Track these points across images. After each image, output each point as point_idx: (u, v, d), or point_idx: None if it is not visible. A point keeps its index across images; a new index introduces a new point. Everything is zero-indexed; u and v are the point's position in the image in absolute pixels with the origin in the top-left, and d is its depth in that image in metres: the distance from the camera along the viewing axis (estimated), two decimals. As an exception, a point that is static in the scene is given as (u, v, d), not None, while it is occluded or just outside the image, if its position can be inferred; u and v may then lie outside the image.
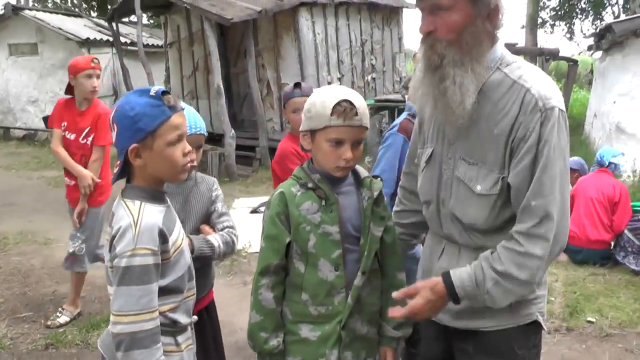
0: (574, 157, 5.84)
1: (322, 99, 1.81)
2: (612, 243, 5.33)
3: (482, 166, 1.72)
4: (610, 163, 5.45)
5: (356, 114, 1.79)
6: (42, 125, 13.74)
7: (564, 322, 4.15)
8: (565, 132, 1.66)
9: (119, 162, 1.68)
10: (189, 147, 1.74)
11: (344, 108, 1.77)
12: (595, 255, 5.26)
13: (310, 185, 1.87)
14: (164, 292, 1.68)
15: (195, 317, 1.89)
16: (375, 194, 1.91)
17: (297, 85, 3.22)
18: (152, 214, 1.67)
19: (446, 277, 1.72)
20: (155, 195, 1.72)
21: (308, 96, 3.12)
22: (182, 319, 1.78)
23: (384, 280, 2.00)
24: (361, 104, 1.82)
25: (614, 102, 8.98)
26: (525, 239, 1.64)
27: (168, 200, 1.80)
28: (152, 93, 1.66)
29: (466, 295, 1.70)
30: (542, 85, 1.65)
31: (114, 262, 1.62)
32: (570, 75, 13.49)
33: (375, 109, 8.56)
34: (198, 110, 11.21)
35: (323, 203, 1.86)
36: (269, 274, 1.89)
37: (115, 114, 1.67)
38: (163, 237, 1.67)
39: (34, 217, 7.23)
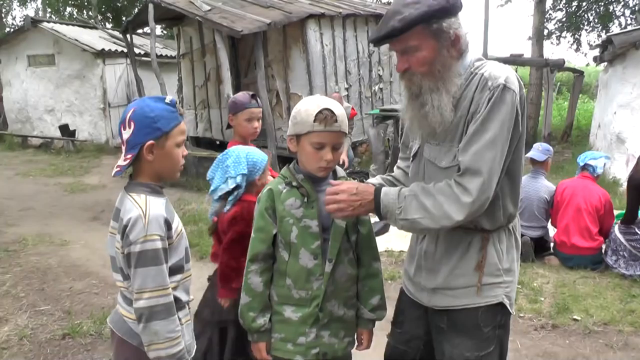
0: (542, 144, 6.06)
1: (306, 107, 2.08)
2: (603, 247, 5.51)
3: (443, 144, 2.01)
4: (586, 165, 5.59)
5: (336, 120, 2.05)
6: (58, 133, 14.17)
7: (550, 319, 4.36)
8: (507, 105, 1.88)
9: (130, 157, 1.92)
10: (186, 151, 2.03)
11: (325, 115, 2.03)
12: (586, 261, 5.43)
13: (294, 183, 2.14)
14: (169, 272, 1.95)
15: (192, 297, 2.15)
16: None
17: (253, 96, 3.53)
18: (157, 206, 1.93)
19: (377, 187, 2.03)
20: (156, 189, 1.99)
21: (261, 108, 3.39)
22: (183, 296, 2.05)
23: (361, 269, 2.26)
24: (341, 112, 2.08)
25: (615, 113, 9.18)
26: (455, 183, 1.91)
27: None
28: (167, 101, 1.95)
29: (387, 203, 1.97)
30: (494, 68, 1.93)
31: (130, 248, 1.87)
32: (576, 86, 13.69)
33: (380, 119, 8.80)
34: (209, 119, 11.56)
35: (305, 200, 2.12)
36: (257, 261, 2.17)
37: (133, 114, 1.92)
38: (167, 225, 1.93)
39: (51, 220, 7.56)
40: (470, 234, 2.05)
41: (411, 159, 2.23)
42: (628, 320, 4.30)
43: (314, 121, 2.04)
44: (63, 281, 5.25)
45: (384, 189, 2.01)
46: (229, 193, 2.72)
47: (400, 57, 1.98)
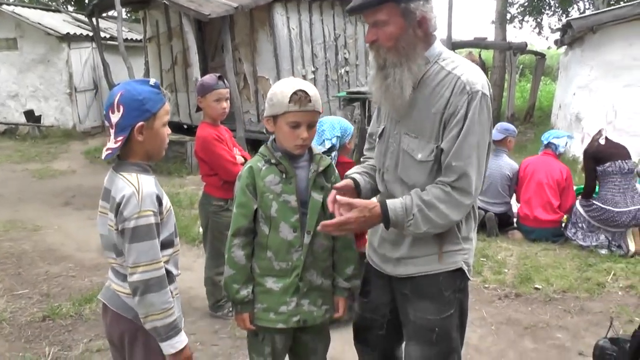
0: (502, 123, 6.35)
1: (282, 89, 2.22)
2: (564, 221, 5.78)
3: (422, 138, 2.14)
4: (549, 143, 5.87)
5: (310, 101, 2.20)
6: (23, 119, 13.95)
7: (513, 289, 4.62)
8: (485, 110, 2.06)
9: (121, 139, 2.01)
10: (169, 130, 2.15)
11: (299, 96, 2.17)
12: (547, 234, 5.72)
13: (273, 161, 2.28)
14: (161, 246, 2.05)
15: (179, 271, 2.27)
16: (321, 168, 2.32)
17: (220, 77, 3.68)
18: (149, 183, 2.04)
19: (383, 203, 2.12)
20: (145, 168, 2.10)
21: (228, 89, 3.66)
22: (173, 270, 2.17)
23: (336, 241, 2.41)
24: (314, 92, 2.22)
25: (574, 94, 9.51)
26: (451, 189, 2.06)
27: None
28: (151, 83, 2.06)
29: (396, 219, 2.09)
30: (470, 74, 2.08)
31: (124, 224, 1.97)
32: (538, 69, 14.04)
33: (347, 101, 8.94)
34: (177, 103, 11.50)
35: (284, 176, 2.27)
36: (239, 235, 2.30)
37: (121, 97, 2.00)
38: (159, 201, 2.05)
39: (21, 206, 7.54)
40: None
41: (377, 139, 2.37)
42: (584, 288, 4.58)
43: (289, 102, 2.17)
44: (39, 265, 5.30)
45: (389, 204, 2.10)
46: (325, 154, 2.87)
47: (370, 29, 2.12)
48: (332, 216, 2.34)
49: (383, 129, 2.33)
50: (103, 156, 2.06)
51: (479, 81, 2.06)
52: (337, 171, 2.43)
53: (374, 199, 2.29)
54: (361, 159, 2.60)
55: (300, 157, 2.32)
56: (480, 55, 13.70)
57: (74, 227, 6.45)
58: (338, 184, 2.25)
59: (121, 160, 2.10)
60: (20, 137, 13.56)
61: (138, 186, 1.99)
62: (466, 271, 2.26)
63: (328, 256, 2.40)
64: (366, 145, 2.59)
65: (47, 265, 5.31)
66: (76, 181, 8.99)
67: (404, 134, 2.20)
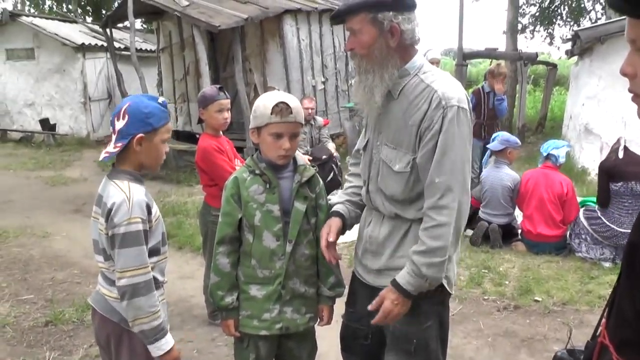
0: (503, 134, 6.26)
1: (264, 102, 2.29)
2: (567, 233, 5.76)
3: (399, 150, 2.19)
4: (549, 155, 5.81)
5: (291, 112, 2.26)
6: (38, 127, 14.18)
7: (512, 301, 4.61)
8: (464, 124, 2.09)
9: (120, 145, 2.11)
10: (167, 148, 2.24)
11: (280, 108, 2.24)
12: (551, 247, 5.69)
13: (257, 171, 2.34)
14: (147, 253, 2.13)
15: (166, 279, 2.33)
16: (304, 179, 2.37)
17: (221, 88, 3.75)
18: (139, 191, 2.13)
19: (394, 282, 2.14)
20: (137, 177, 2.19)
21: (229, 99, 3.73)
22: (159, 276, 2.24)
23: (318, 250, 2.44)
24: (295, 104, 2.29)
25: (583, 105, 9.47)
26: (434, 212, 2.09)
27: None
28: (159, 101, 2.18)
29: (415, 287, 2.10)
30: (447, 88, 2.11)
31: (114, 230, 2.06)
32: (549, 79, 13.99)
33: (355, 111, 8.99)
34: (189, 113, 11.58)
35: (267, 186, 2.32)
36: (224, 243, 2.36)
37: (128, 107, 2.12)
38: (148, 209, 2.13)
39: (32, 213, 7.66)
40: (409, 221, 2.24)
41: (362, 151, 2.42)
42: (585, 300, 4.56)
43: (271, 114, 2.25)
44: (45, 271, 5.40)
45: (399, 279, 2.12)
46: None
47: (349, 37, 2.20)
48: (315, 223, 2.40)
49: (367, 140, 2.38)
50: (100, 158, 2.17)
51: (455, 95, 2.09)
52: (321, 182, 2.48)
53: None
54: (346, 177, 2.65)
55: (284, 168, 2.38)
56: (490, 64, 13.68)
57: (83, 234, 6.53)
58: (331, 238, 2.30)
59: (115, 168, 2.20)
60: (36, 144, 13.77)
61: (129, 194, 2.08)
62: (446, 285, 2.26)
63: (311, 265, 2.44)
64: (352, 160, 2.63)
65: (54, 271, 5.40)
66: (87, 189, 9.09)
67: (384, 145, 2.25)
